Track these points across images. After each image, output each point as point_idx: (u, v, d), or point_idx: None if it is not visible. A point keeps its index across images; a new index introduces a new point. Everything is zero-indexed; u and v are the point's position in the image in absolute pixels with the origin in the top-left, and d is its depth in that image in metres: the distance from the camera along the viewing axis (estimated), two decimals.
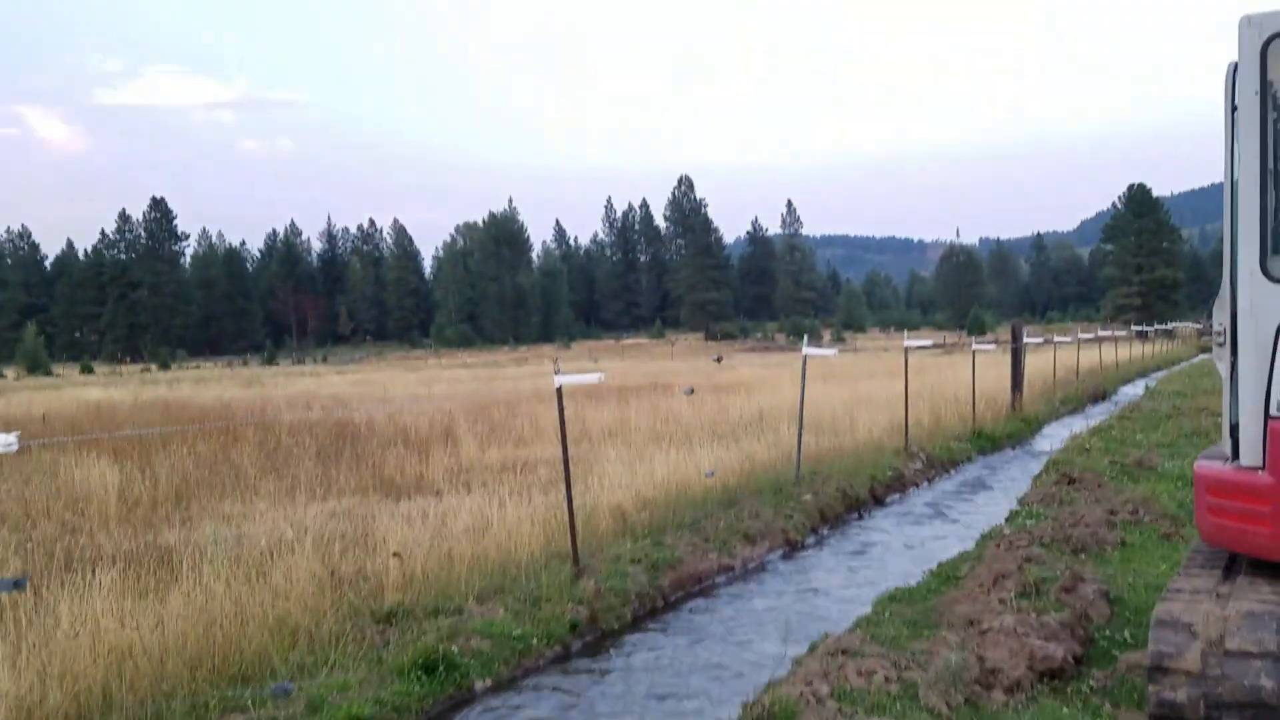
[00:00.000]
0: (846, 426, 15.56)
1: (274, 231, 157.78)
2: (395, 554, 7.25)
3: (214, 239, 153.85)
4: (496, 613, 6.79)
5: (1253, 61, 4.63)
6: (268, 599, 6.66)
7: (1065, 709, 5.12)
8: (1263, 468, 4.58)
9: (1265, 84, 4.63)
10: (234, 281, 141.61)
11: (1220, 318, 4.93)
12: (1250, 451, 4.66)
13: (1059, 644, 5.81)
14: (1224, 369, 4.97)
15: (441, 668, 5.96)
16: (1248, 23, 4.64)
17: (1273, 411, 4.51)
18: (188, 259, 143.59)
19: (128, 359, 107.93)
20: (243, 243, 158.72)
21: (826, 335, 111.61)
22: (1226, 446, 4.99)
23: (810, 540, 10.22)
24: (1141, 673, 4.89)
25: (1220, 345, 4.96)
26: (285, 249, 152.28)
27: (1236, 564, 5.18)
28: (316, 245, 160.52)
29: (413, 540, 7.89)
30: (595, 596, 7.21)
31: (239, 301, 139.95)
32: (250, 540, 8.31)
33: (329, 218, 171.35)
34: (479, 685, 6.11)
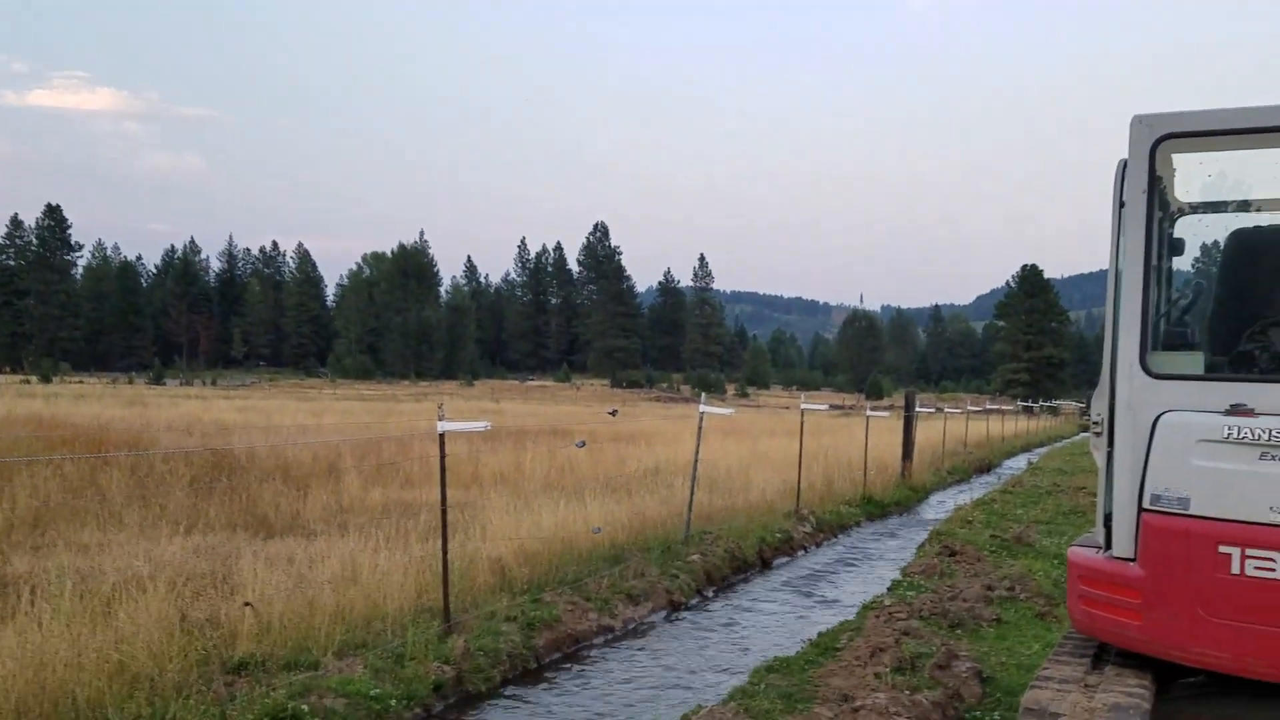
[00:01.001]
0: (741, 485, 15.55)
1: (173, 248, 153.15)
2: (247, 603, 6.81)
3: (109, 251, 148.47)
4: (355, 669, 6.41)
5: (1141, 160, 4.74)
6: (110, 641, 6.18)
7: None
8: (1134, 559, 4.60)
9: (1153, 183, 4.74)
10: (126, 296, 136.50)
11: (1099, 408, 4.98)
12: (1123, 542, 4.69)
13: None
14: (1100, 459, 5.02)
15: None
16: (1139, 122, 4.76)
17: (1146, 504, 4.54)
18: (80, 270, 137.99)
19: (8, 369, 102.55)
20: (139, 257, 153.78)
21: (731, 390, 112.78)
22: (1100, 535, 5.02)
23: (695, 602, 10.06)
24: None
25: (1098, 435, 5.01)
26: (183, 266, 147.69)
27: (1106, 653, 5.20)
28: (216, 265, 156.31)
29: (274, 585, 7.46)
30: (464, 656, 6.89)
31: (130, 317, 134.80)
32: (102, 575, 7.77)
33: (231, 237, 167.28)
34: None
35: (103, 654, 5.98)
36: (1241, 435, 4.28)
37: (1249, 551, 4.23)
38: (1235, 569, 4.25)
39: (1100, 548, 4.95)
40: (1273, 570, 4.17)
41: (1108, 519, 4.85)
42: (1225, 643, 4.30)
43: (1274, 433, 4.21)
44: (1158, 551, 4.47)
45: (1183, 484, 4.43)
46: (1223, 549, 4.29)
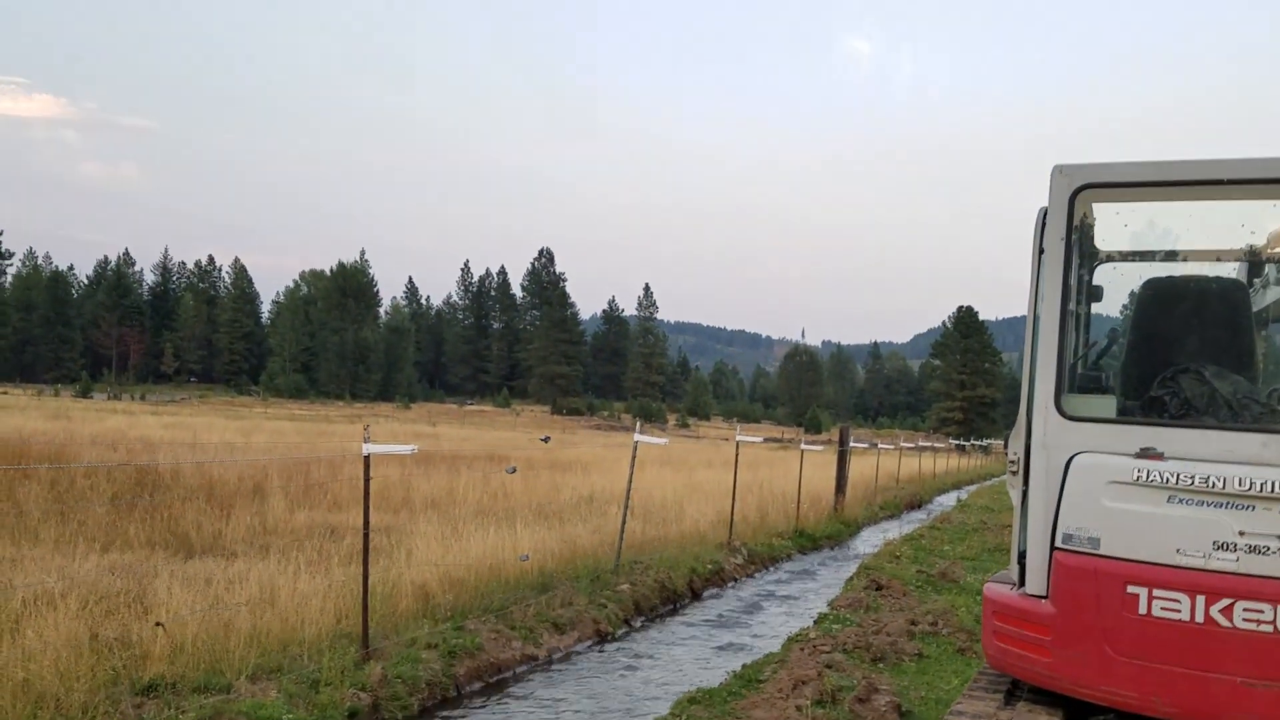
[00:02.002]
0: (675, 515, 15.55)
1: (106, 259, 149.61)
2: (159, 624, 6.63)
3: (40, 260, 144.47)
4: (269, 694, 6.26)
5: (1061, 209, 4.89)
6: (16, 658, 5.97)
7: None
8: (1046, 597, 4.70)
9: (1070, 231, 4.88)
10: (56, 306, 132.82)
11: (1015, 447, 5.10)
12: (1035, 580, 4.78)
13: None
14: (1016, 497, 5.12)
15: None
16: (1059, 172, 4.91)
17: (1058, 543, 4.64)
18: (9, 279, 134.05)
19: None
20: (71, 267, 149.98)
21: (672, 420, 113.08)
22: (1015, 572, 5.12)
23: (622, 632, 10.01)
24: None
25: (1014, 474, 5.12)
26: (115, 278, 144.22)
27: (1019, 689, 5.28)
28: (149, 278, 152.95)
29: (190, 606, 7.26)
30: (381, 683, 6.76)
31: (59, 328, 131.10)
32: (12, 590, 7.50)
33: (166, 250, 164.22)
34: None
35: (7, 671, 5.78)
36: (1150, 478, 4.41)
37: (1156, 592, 4.34)
38: (1143, 609, 4.36)
39: (1014, 585, 5.05)
40: (1178, 611, 4.29)
41: (1022, 556, 4.95)
42: (1132, 681, 4.40)
43: (1181, 476, 4.34)
44: (1068, 589, 4.57)
45: (1094, 524, 4.54)
46: (1131, 589, 4.40)
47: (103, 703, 5.83)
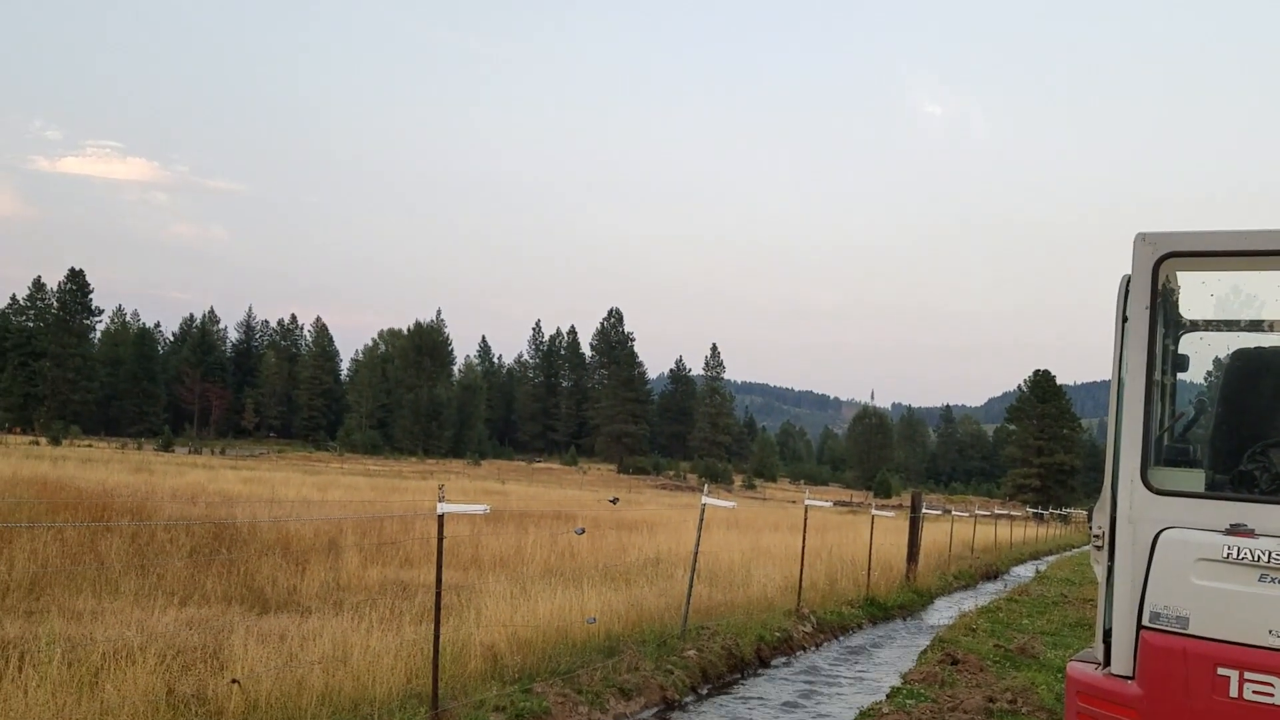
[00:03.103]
0: (742, 579, 15.36)
1: (191, 316, 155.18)
2: (234, 680, 6.74)
3: (128, 317, 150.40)
4: None
5: (1144, 277, 4.81)
6: (94, 713, 6.11)
7: None
8: (1133, 677, 4.54)
9: (1155, 300, 4.80)
10: (142, 362, 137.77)
11: (1100, 521, 4.97)
12: (1121, 660, 4.63)
13: None
14: (1101, 572, 4.98)
15: None
16: (1142, 240, 4.84)
17: (1145, 621, 4.50)
18: (98, 334, 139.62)
19: (18, 429, 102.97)
20: (158, 324, 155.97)
21: (738, 481, 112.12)
22: (1099, 651, 4.96)
23: (689, 700, 9.87)
24: None
25: (1099, 549, 4.98)
26: (200, 335, 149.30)
27: None
28: (233, 335, 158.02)
29: (264, 662, 7.37)
30: None
31: (144, 383, 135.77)
32: (93, 643, 7.70)
33: (250, 309, 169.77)
34: None
35: None
36: (1241, 555, 4.26)
37: (1248, 675, 4.17)
38: (1234, 692, 4.20)
39: (1100, 664, 4.89)
40: (1271, 695, 4.11)
41: (1107, 635, 4.80)
42: None
43: (1274, 554, 4.20)
44: (1156, 670, 4.42)
45: (1182, 602, 4.39)
46: (1221, 671, 4.24)
47: None
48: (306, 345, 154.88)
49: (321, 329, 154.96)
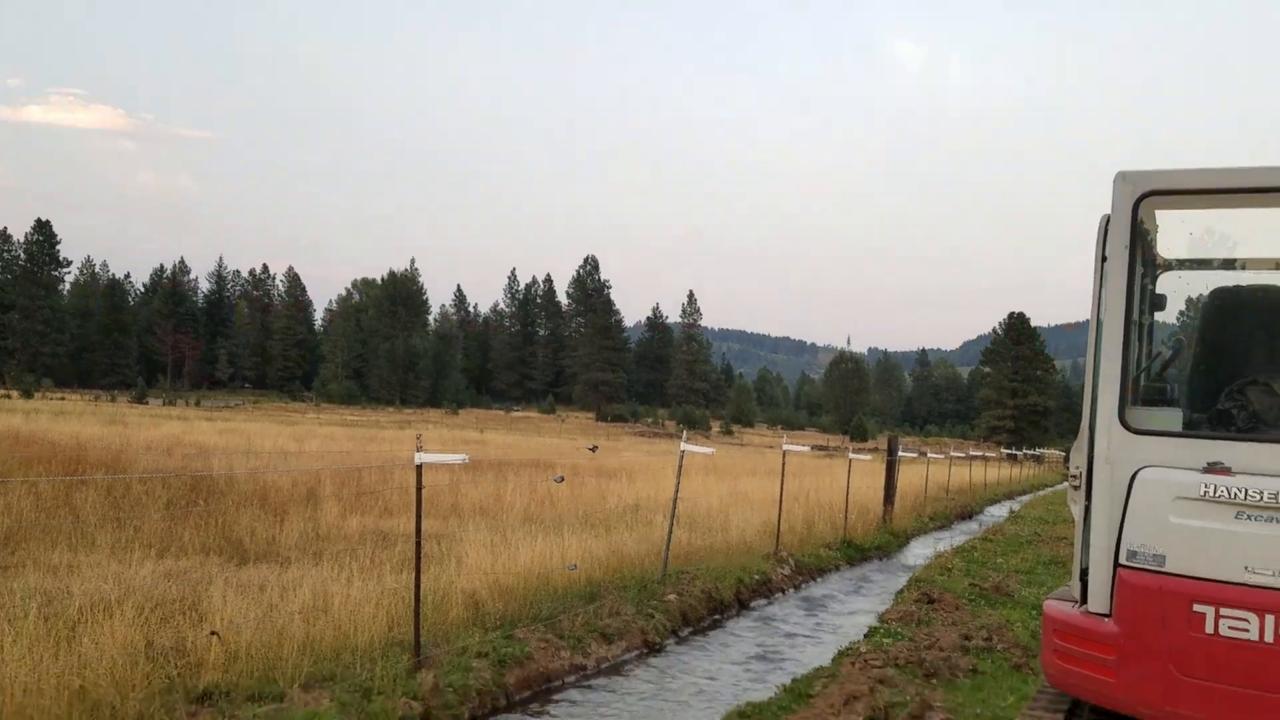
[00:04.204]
0: (721, 524, 15.46)
1: (161, 267, 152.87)
2: (214, 632, 6.71)
3: (97, 268, 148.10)
4: (322, 702, 6.30)
5: (1124, 216, 4.77)
6: (72, 666, 6.06)
7: None
8: (1109, 615, 4.58)
9: (1135, 239, 4.77)
10: (112, 314, 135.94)
11: (1077, 461, 4.98)
12: (1098, 598, 4.67)
13: None
14: (1078, 512, 5.01)
15: None
16: (1122, 179, 4.80)
17: (1122, 559, 4.53)
18: (67, 286, 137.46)
19: None
20: (127, 275, 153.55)
21: (716, 427, 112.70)
22: (1076, 589, 5.00)
23: (670, 642, 9.96)
24: None
25: (1076, 488, 5.01)
26: (171, 286, 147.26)
27: (1080, 709, 5.16)
28: (204, 286, 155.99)
29: (244, 614, 7.35)
30: (432, 692, 6.78)
31: (115, 335, 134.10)
32: (69, 597, 7.64)
33: (220, 259, 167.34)
34: None
35: (64, 679, 5.86)
36: (1218, 493, 4.29)
37: (1223, 611, 4.22)
38: (1209, 628, 4.24)
39: (1076, 602, 4.93)
40: (1246, 630, 4.16)
41: (1084, 573, 4.84)
42: (1198, 702, 4.28)
43: (1250, 492, 4.22)
44: (1132, 608, 4.46)
45: (1159, 540, 4.43)
46: (1197, 608, 4.28)
47: (158, 711, 5.90)
48: (279, 295, 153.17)
49: (294, 279, 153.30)
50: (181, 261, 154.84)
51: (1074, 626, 4.75)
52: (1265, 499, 4.17)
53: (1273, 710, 4.10)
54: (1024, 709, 5.32)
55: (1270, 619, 4.10)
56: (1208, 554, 4.28)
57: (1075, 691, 4.86)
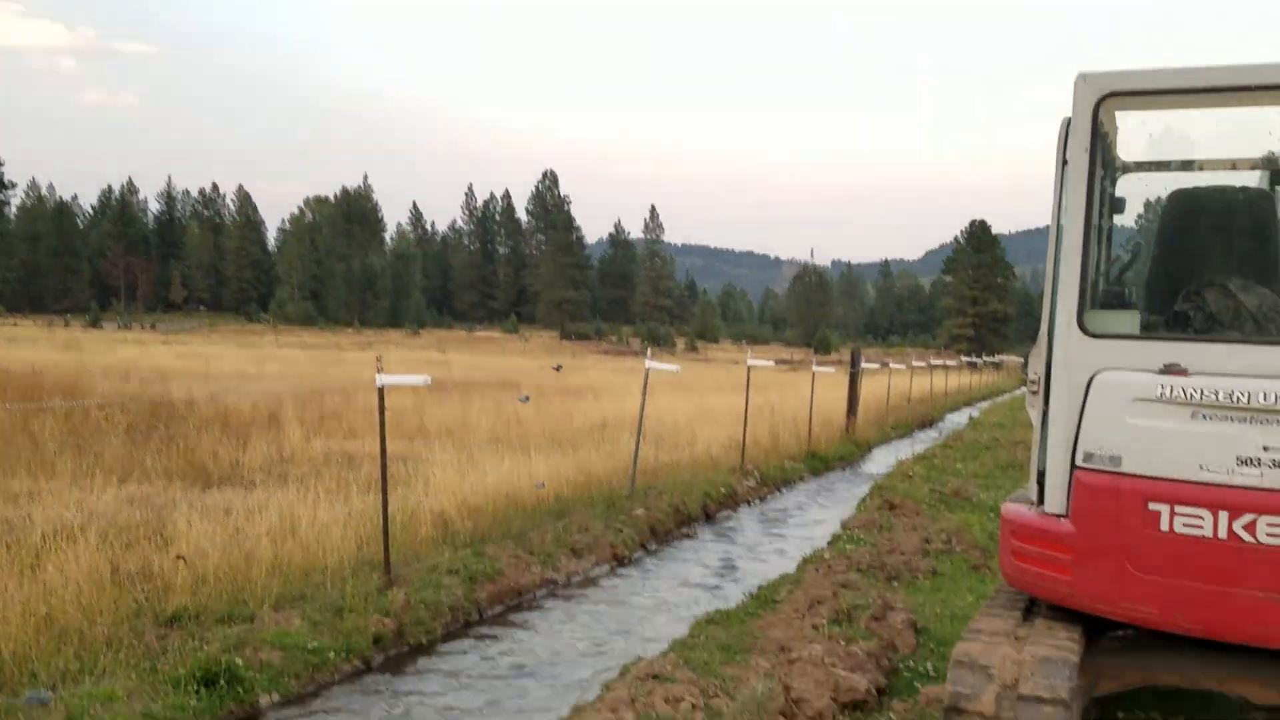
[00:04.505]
0: (687, 440, 15.61)
1: (109, 188, 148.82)
2: (180, 557, 6.69)
3: (44, 191, 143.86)
4: (293, 622, 6.34)
5: (1085, 118, 4.74)
6: (37, 594, 6.04)
7: None
8: (1066, 515, 4.68)
9: (1096, 141, 4.74)
10: (62, 237, 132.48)
11: (1036, 367, 5.03)
12: (1055, 499, 4.76)
13: (863, 675, 5.86)
14: (1036, 416, 5.08)
15: (223, 681, 5.50)
16: (1083, 80, 4.74)
17: (1079, 462, 4.61)
18: (13, 210, 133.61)
19: None
20: (75, 198, 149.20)
21: (680, 344, 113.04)
22: (1033, 491, 5.10)
23: (638, 555, 10.11)
24: (940, 708, 4.93)
25: (1034, 393, 5.07)
26: (120, 207, 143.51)
27: (1037, 606, 5.31)
28: (154, 206, 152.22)
29: (210, 537, 7.33)
30: (404, 609, 6.85)
31: (66, 259, 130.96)
32: (31, 525, 7.57)
33: (169, 179, 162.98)
34: (264, 700, 5.67)
35: (29, 606, 5.85)
36: (1174, 394, 4.35)
37: (1178, 509, 4.32)
38: (1164, 526, 4.35)
39: (1033, 504, 5.03)
40: (1200, 527, 4.27)
41: (1041, 476, 4.92)
42: (1153, 598, 4.40)
43: (1206, 392, 4.29)
44: (1089, 508, 4.55)
45: (1115, 442, 4.50)
46: (1152, 506, 4.37)
47: (126, 635, 5.91)
48: (230, 215, 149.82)
49: (245, 198, 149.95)
50: (130, 182, 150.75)
51: (1031, 527, 4.85)
52: (1220, 399, 4.24)
53: (1222, 601, 4.24)
54: (982, 607, 5.46)
55: (1223, 515, 4.21)
56: (1163, 454, 4.37)
57: (1032, 590, 4.98)
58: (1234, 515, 4.20)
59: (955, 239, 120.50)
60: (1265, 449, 4.19)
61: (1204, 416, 4.30)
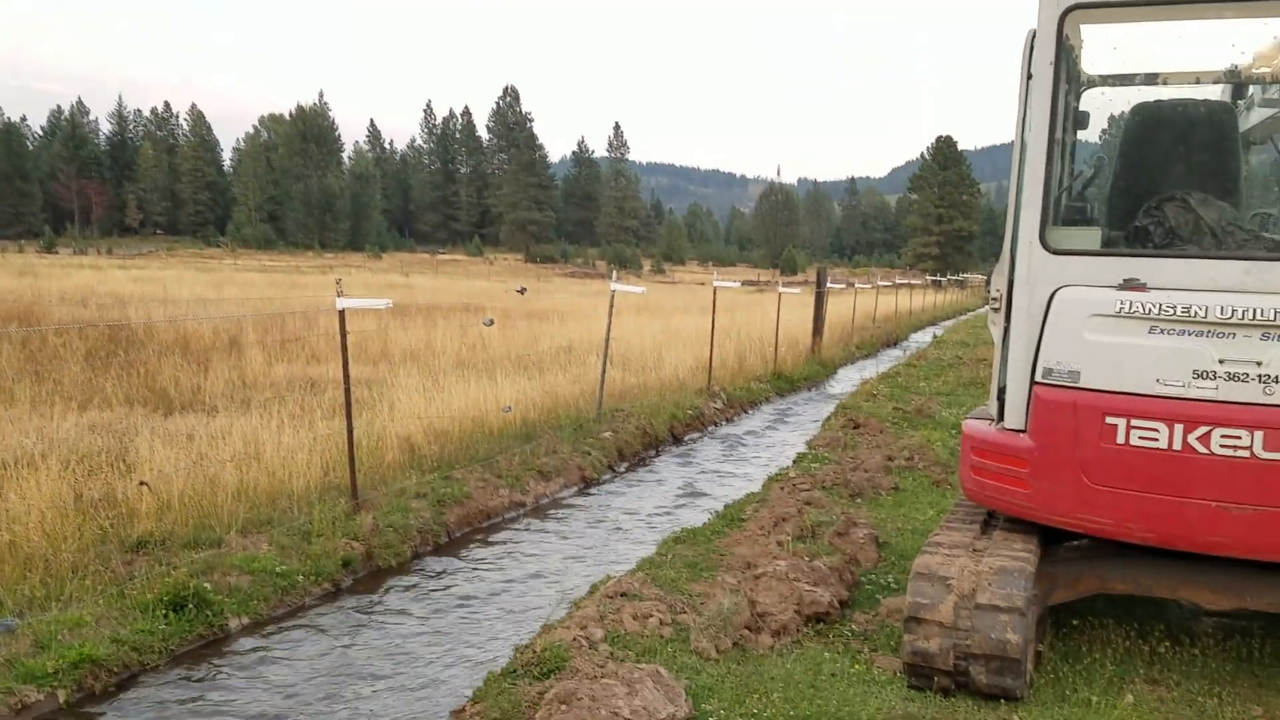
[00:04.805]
0: (654, 362, 15.63)
1: (59, 109, 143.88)
2: (143, 483, 6.65)
3: None
4: (260, 547, 6.35)
5: (1050, 31, 4.69)
6: (0, 521, 6.00)
7: (827, 652, 5.25)
8: (1025, 431, 4.75)
9: (1060, 55, 4.70)
10: (12, 160, 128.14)
11: (998, 284, 5.05)
12: (1014, 415, 4.83)
13: (827, 589, 5.98)
14: (997, 334, 5.12)
15: (192, 605, 5.52)
16: None
17: (1039, 377, 4.66)
18: None
19: None
20: (24, 119, 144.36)
21: (647, 265, 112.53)
22: (994, 408, 5.17)
23: (606, 478, 10.19)
24: (901, 618, 5.06)
25: (996, 310, 5.10)
26: (70, 129, 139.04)
27: (995, 519, 5.43)
28: (105, 127, 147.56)
29: (174, 463, 7.28)
30: (373, 532, 6.87)
31: (17, 182, 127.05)
32: None
33: (120, 98, 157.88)
34: (234, 624, 5.71)
35: None
36: (1133, 309, 4.39)
37: (1135, 422, 4.40)
38: (1121, 439, 4.43)
39: (994, 420, 5.10)
40: (1156, 440, 4.36)
41: (1001, 392, 4.98)
42: (1108, 509, 4.51)
43: (1164, 307, 4.33)
44: (1047, 423, 4.63)
45: (1075, 358, 4.55)
46: (1110, 420, 4.45)
47: (92, 562, 5.90)
48: (184, 135, 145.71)
49: (198, 117, 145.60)
50: (79, 102, 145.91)
51: (991, 443, 4.93)
52: (1178, 313, 4.29)
53: (1177, 512, 4.35)
54: (942, 521, 5.58)
55: (1178, 428, 4.30)
56: (1121, 368, 4.43)
57: (991, 504, 5.09)
58: (1189, 428, 4.29)
59: (921, 155, 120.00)
60: (1221, 362, 4.26)
61: (1161, 331, 4.35)
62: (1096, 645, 5.18)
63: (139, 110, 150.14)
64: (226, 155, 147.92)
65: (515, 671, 4.65)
